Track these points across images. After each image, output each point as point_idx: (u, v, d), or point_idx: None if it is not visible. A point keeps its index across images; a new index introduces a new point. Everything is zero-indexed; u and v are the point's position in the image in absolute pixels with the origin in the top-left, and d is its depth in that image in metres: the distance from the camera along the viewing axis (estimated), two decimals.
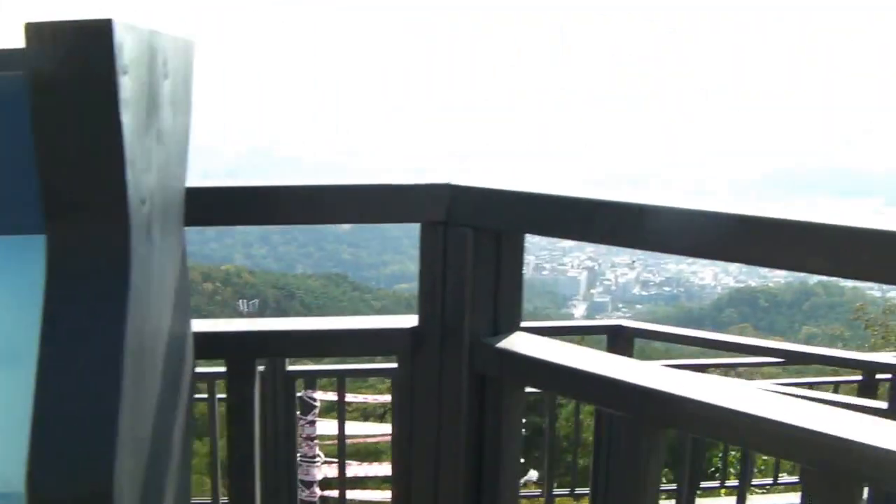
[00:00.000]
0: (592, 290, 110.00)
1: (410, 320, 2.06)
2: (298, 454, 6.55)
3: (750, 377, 13.78)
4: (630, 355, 6.43)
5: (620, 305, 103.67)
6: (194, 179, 1.80)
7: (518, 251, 1.99)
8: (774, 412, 1.48)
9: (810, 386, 8.94)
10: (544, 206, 1.83)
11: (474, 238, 1.92)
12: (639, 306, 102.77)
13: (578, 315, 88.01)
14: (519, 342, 1.94)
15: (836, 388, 9.27)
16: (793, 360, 8.46)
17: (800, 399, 1.54)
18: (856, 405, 7.46)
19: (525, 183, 1.90)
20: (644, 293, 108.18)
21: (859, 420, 1.43)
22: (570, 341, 2.02)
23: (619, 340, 6.41)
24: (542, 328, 7.73)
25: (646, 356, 11.08)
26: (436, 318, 1.99)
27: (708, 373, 7.62)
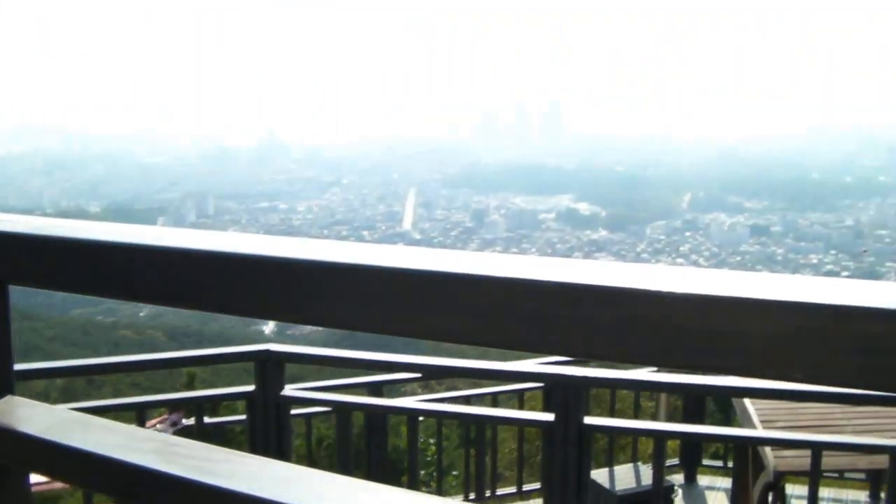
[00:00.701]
0: None
1: None
2: None
3: (452, 386, 14.06)
4: (282, 382, 6.23)
5: None
6: None
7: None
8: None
9: (493, 399, 9.09)
10: (30, 248, 1.54)
11: None
12: None
13: (269, 332, 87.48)
14: (6, 413, 1.65)
15: (522, 396, 9.47)
16: (430, 375, 8.55)
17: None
18: (521, 419, 7.61)
19: (16, 218, 1.61)
20: None
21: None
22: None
23: (270, 367, 6.20)
24: (176, 359, 7.42)
25: (324, 377, 10.96)
26: None
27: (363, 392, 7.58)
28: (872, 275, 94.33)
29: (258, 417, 6.20)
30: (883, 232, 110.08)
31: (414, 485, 7.69)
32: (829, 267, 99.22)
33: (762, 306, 0.94)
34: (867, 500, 9.25)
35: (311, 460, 8.56)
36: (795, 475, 7.60)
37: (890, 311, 0.87)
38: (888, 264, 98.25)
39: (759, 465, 7.22)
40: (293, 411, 6.74)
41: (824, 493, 8.45)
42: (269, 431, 6.17)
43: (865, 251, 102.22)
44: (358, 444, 7.91)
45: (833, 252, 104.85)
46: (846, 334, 0.89)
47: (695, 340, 0.98)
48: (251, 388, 6.21)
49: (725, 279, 1.00)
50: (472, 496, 8.46)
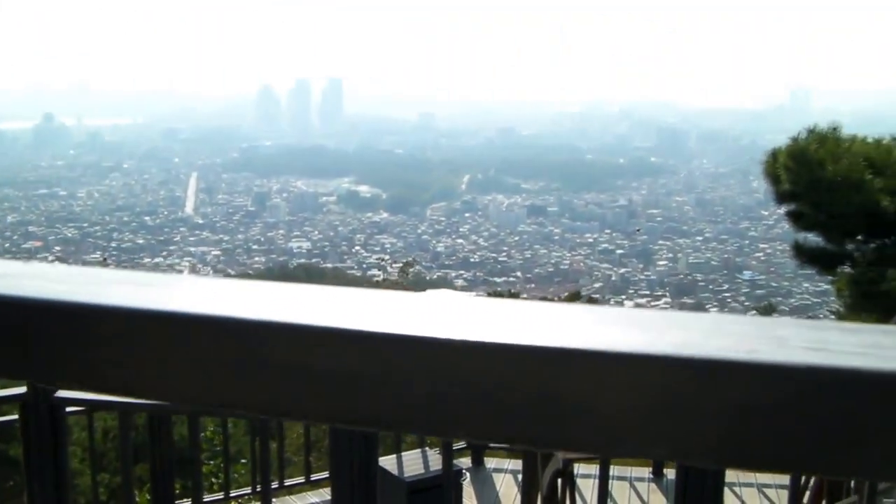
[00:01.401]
0: None
1: None
2: None
3: None
4: None
5: None
6: None
7: None
8: None
9: None
10: None
11: None
12: None
13: None
14: None
15: None
16: None
17: None
18: None
19: None
20: None
21: None
22: None
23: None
24: None
25: None
26: None
27: None
28: (646, 252, 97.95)
29: (31, 420, 5.89)
30: (654, 211, 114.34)
31: (199, 479, 7.46)
32: (604, 245, 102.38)
33: (604, 360, 0.64)
34: (650, 475, 9.49)
35: (94, 454, 8.26)
36: (584, 461, 7.69)
37: (766, 365, 0.66)
38: (660, 242, 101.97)
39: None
40: (72, 408, 6.45)
41: (610, 470, 8.62)
42: (44, 434, 5.86)
43: (639, 230, 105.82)
44: (143, 435, 7.66)
45: (608, 231, 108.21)
46: (717, 397, 0.61)
47: (493, 405, 0.67)
48: (24, 390, 5.89)
49: (538, 316, 0.74)
50: (258, 488, 8.28)
